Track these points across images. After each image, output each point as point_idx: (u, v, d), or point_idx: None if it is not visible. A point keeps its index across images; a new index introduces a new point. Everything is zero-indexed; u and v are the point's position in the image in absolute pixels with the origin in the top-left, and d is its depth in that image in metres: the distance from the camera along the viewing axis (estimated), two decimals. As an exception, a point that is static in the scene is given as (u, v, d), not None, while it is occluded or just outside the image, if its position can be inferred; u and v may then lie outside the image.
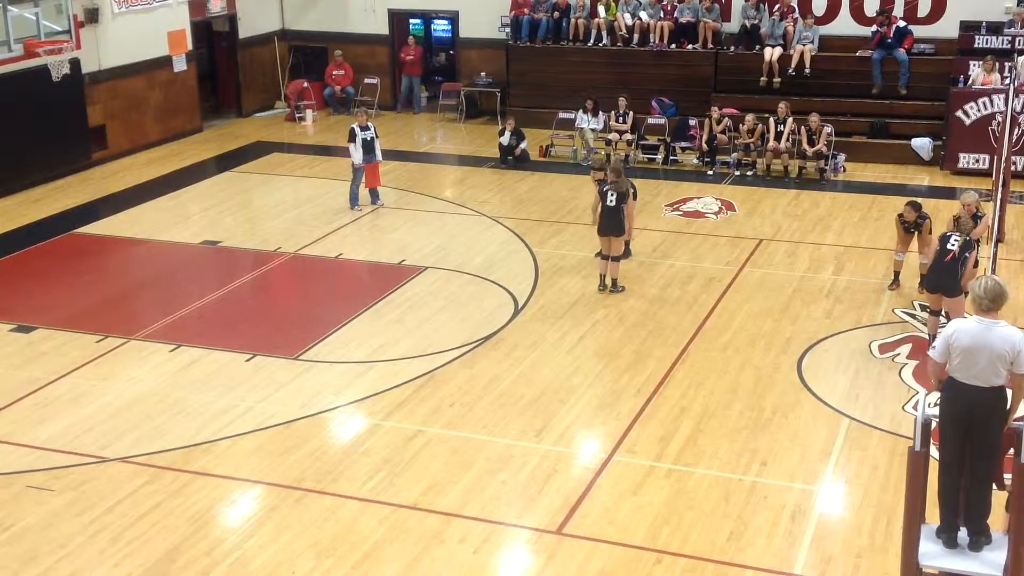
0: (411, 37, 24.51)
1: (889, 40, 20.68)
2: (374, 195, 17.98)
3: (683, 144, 20.61)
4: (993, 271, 11.69)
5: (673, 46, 22.12)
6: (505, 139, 20.26)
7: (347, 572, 8.75)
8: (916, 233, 14.04)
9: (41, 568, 8.84)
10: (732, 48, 21.92)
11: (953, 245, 12.00)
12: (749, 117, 19.94)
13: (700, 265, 15.27)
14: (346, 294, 14.88)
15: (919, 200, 14.40)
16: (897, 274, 14.34)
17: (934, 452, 7.31)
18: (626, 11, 22.46)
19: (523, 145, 20.37)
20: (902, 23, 20.83)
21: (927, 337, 12.47)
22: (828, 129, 19.54)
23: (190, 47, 22.70)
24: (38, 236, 16.92)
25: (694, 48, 22.00)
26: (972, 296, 7.14)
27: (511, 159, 20.36)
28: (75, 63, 19.62)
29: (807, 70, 20.99)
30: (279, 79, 25.17)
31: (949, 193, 18.05)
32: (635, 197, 15.04)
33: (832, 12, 21.87)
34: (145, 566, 8.84)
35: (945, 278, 12.09)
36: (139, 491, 9.88)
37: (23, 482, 10.06)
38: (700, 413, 11.17)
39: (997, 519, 7.33)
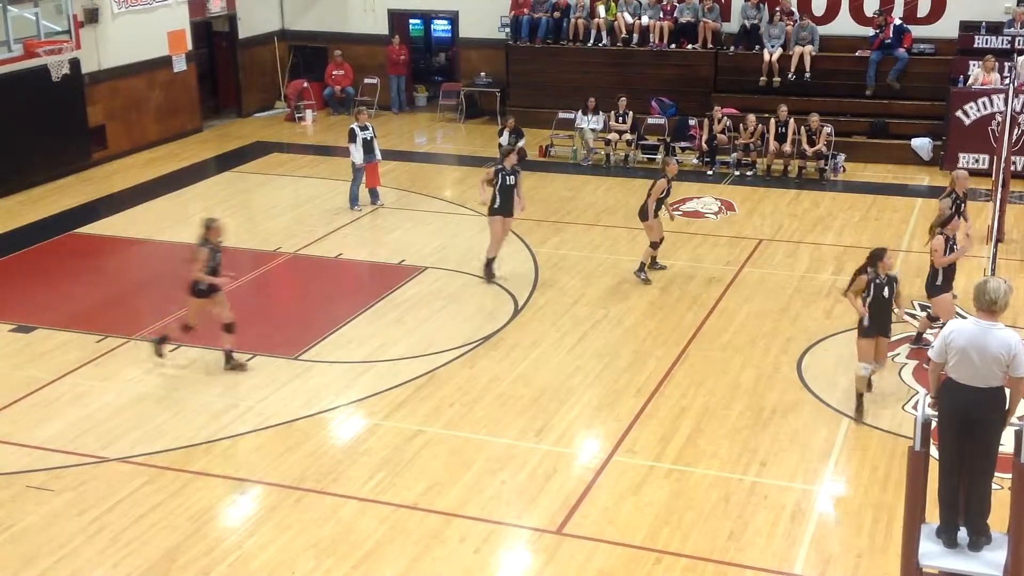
0: (396, 37, 24.49)
1: (889, 41, 20.69)
2: (374, 195, 17.98)
3: (683, 144, 20.61)
4: (993, 271, 11.70)
5: (673, 46, 22.12)
6: (504, 139, 20.25)
7: (347, 572, 8.75)
8: (889, 303, 10.84)
9: (41, 568, 8.85)
10: (732, 48, 21.92)
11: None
12: (751, 118, 19.94)
13: (700, 265, 15.27)
14: (346, 294, 14.87)
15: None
16: (860, 397, 10.93)
17: (934, 452, 7.32)
18: (626, 10, 22.46)
19: (522, 143, 20.34)
20: (898, 22, 20.84)
21: (914, 335, 12.62)
22: (828, 129, 19.54)
23: (190, 47, 22.71)
24: (38, 236, 16.92)
25: (694, 48, 22.01)
26: (974, 295, 7.13)
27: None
28: (75, 63, 19.62)
29: (807, 74, 20.99)
30: (279, 79, 25.17)
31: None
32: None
33: (832, 12, 21.88)
34: (145, 566, 8.84)
35: (926, 283, 12.20)
36: (139, 491, 9.88)
37: (23, 482, 10.06)
38: (700, 413, 11.17)
39: (997, 519, 7.32)
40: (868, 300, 10.76)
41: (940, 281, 11.92)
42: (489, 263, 14.63)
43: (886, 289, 10.74)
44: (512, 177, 14.39)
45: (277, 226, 17.20)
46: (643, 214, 14.52)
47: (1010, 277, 14.17)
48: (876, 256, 10.67)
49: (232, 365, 12.19)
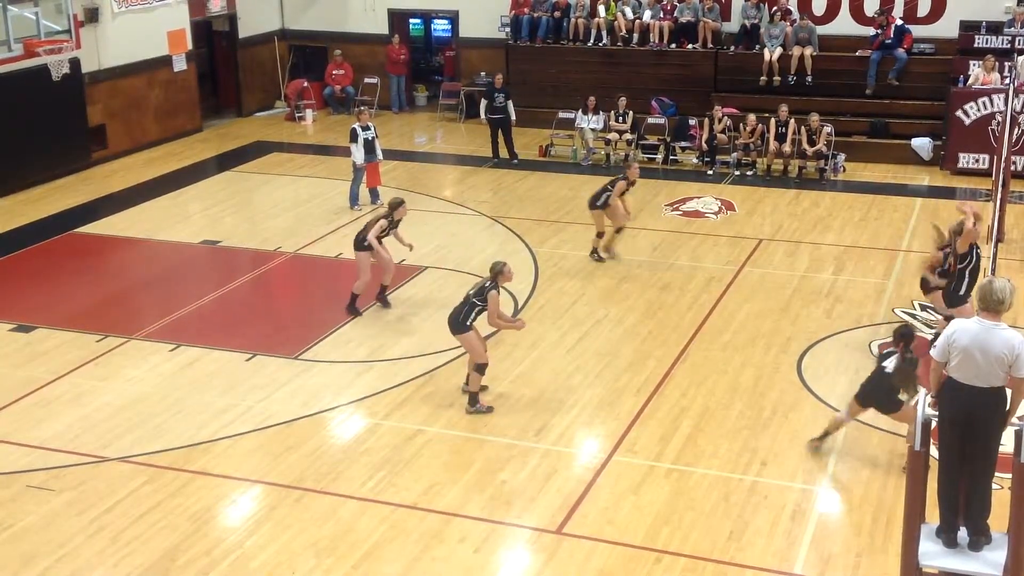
0: (396, 37, 24.51)
1: (889, 41, 20.70)
2: (374, 195, 17.98)
3: (683, 144, 20.62)
4: (993, 271, 11.70)
5: (673, 46, 22.12)
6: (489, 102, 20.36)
7: (347, 572, 8.75)
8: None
9: (41, 568, 8.85)
10: (732, 48, 21.92)
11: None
12: (751, 118, 19.94)
13: (700, 265, 15.27)
14: (346, 294, 14.85)
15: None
16: (827, 434, 10.40)
17: (934, 452, 7.32)
18: (625, 7, 22.47)
19: (511, 109, 20.43)
20: (899, 22, 20.85)
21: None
22: (828, 129, 19.54)
23: (190, 47, 22.70)
24: (38, 236, 16.92)
25: (694, 48, 22.01)
26: (980, 295, 7.14)
27: (510, 157, 20.44)
28: (75, 63, 19.61)
29: (809, 77, 20.99)
30: (279, 79, 25.17)
31: (949, 193, 18.06)
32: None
33: (832, 12, 21.87)
34: (145, 566, 8.84)
35: (946, 291, 11.95)
36: (139, 491, 9.88)
37: (23, 482, 10.06)
38: (700, 413, 11.17)
39: (997, 519, 7.32)
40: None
41: (963, 291, 11.62)
42: (354, 299, 13.68)
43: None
44: (396, 229, 13.74)
45: (277, 226, 17.20)
46: (591, 203, 15.35)
47: (1010, 277, 14.17)
48: (908, 338, 9.92)
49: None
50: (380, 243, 13.60)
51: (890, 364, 9.88)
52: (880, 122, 20.62)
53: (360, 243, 13.61)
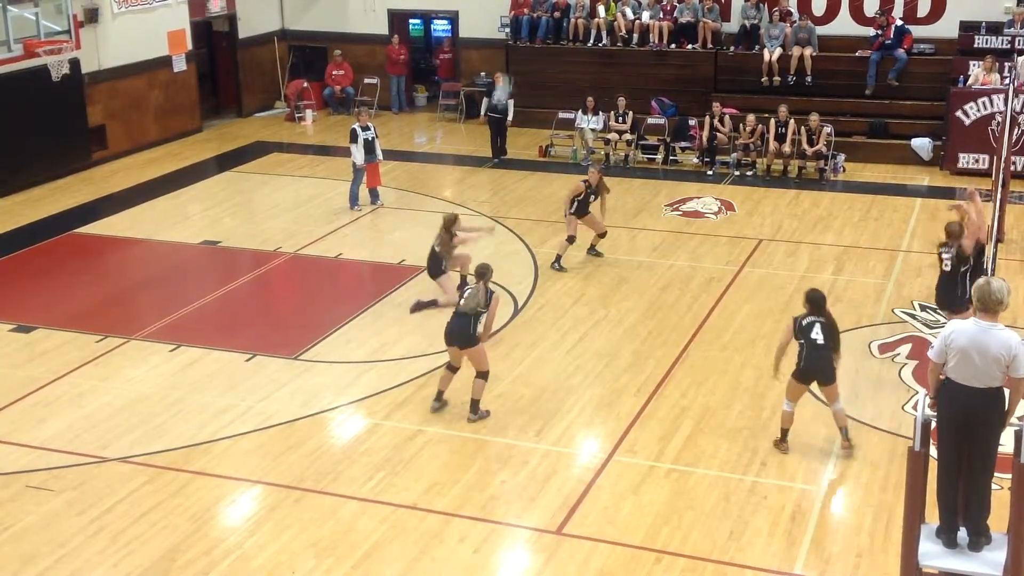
0: (395, 37, 24.53)
1: (889, 42, 20.71)
2: (374, 195, 17.98)
3: (683, 144, 20.62)
4: (992, 271, 11.69)
5: (673, 46, 22.13)
6: (499, 94, 20.34)
7: (347, 572, 8.76)
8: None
9: (41, 568, 8.85)
10: (732, 48, 21.93)
11: (946, 263, 11.60)
12: (751, 118, 19.94)
13: (700, 265, 15.27)
14: (346, 294, 14.89)
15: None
16: (786, 432, 10.48)
17: (934, 452, 7.32)
18: (625, 7, 22.48)
19: (511, 107, 20.51)
20: (899, 22, 20.85)
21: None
22: (828, 129, 19.55)
23: (190, 47, 22.71)
24: (38, 236, 16.93)
25: (694, 48, 22.01)
26: (978, 295, 7.14)
27: (501, 152, 20.58)
28: (75, 63, 19.61)
29: (808, 77, 20.98)
30: (279, 79, 25.17)
31: (948, 193, 18.04)
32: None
33: (832, 12, 21.88)
34: (145, 566, 8.84)
35: (943, 294, 11.80)
36: (139, 491, 9.89)
37: (23, 482, 10.07)
38: (700, 413, 11.17)
39: (997, 519, 7.32)
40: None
41: (969, 294, 11.35)
42: (431, 304, 13.85)
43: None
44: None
45: (277, 226, 17.20)
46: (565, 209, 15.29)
47: (1010, 277, 14.18)
48: (819, 301, 10.38)
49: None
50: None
51: (818, 335, 10.21)
52: (880, 122, 20.62)
53: (438, 270, 13.65)
